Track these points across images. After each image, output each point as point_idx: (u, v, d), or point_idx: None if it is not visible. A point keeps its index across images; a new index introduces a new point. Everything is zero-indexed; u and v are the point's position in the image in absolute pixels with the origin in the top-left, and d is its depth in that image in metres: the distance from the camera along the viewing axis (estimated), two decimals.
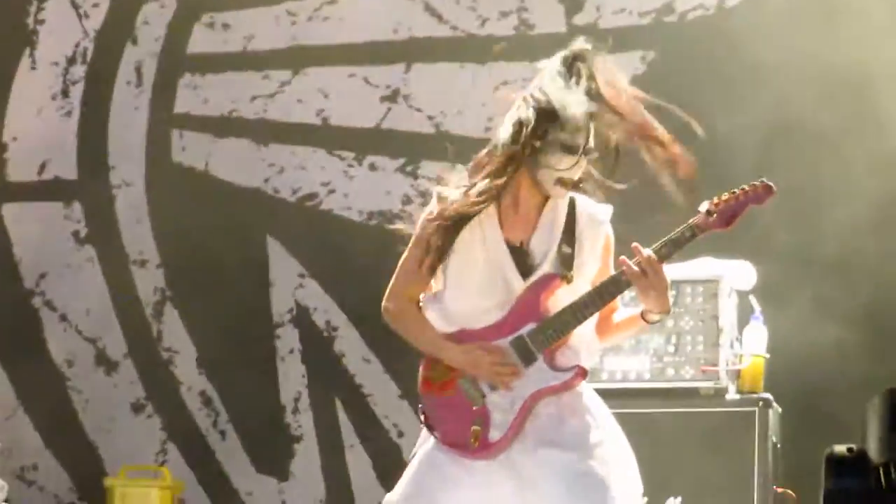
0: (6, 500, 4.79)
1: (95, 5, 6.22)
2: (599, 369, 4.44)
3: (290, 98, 6.09)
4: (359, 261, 5.66)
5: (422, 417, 3.62)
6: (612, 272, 3.25)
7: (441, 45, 5.89)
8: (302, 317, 5.93)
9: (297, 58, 6.05)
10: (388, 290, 3.64)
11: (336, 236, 5.95)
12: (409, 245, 3.52)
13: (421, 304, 3.54)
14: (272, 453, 5.86)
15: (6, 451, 5.44)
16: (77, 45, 6.20)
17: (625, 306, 3.38)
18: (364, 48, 5.96)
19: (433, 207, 3.36)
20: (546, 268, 3.30)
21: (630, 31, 5.49)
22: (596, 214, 3.30)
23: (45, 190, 6.22)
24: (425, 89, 5.99)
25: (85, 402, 6.00)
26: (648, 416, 4.49)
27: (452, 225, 3.42)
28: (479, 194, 3.41)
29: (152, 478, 5.71)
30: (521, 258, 3.33)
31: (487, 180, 3.41)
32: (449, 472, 3.59)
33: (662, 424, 4.51)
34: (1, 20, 6.29)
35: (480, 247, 3.39)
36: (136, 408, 5.94)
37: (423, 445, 3.63)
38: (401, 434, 5.72)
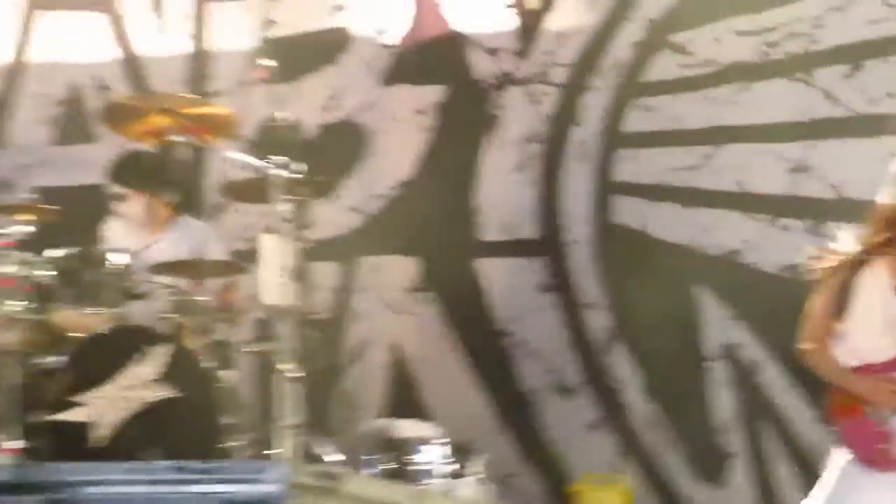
0: None
1: (545, 94, 7.41)
2: None
3: (712, 169, 7.09)
4: (776, 305, 6.60)
5: (835, 439, 4.30)
6: None
7: (838, 123, 6.81)
8: (729, 352, 6.95)
9: (717, 135, 7.07)
10: (803, 333, 4.35)
11: (756, 285, 6.91)
12: (817, 293, 4.29)
13: (830, 341, 4.28)
14: (709, 466, 6.91)
15: (492, 463, 6.73)
16: (533, 127, 7.35)
17: None
18: (774, 127, 6.93)
19: (834, 260, 4.35)
20: None
21: None
22: None
23: (512, 247, 7.40)
24: (827, 161, 6.90)
25: (549, 423, 7.16)
26: None
27: (850, 274, 4.26)
28: (868, 247, 4.19)
29: (611, 483, 6.76)
30: None
31: (873, 235, 4.23)
32: (860, 482, 4.27)
33: None
34: (472, 107, 7.51)
35: (877, 292, 4.23)
36: (592, 427, 7.09)
37: (837, 461, 4.35)
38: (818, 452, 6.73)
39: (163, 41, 7.62)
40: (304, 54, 7.19)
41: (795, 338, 4.45)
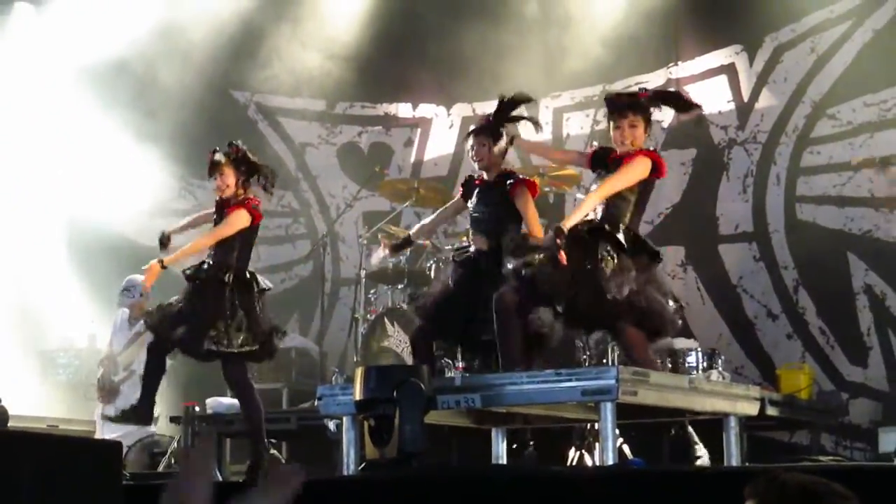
0: None
1: (755, 149, 10.44)
2: None
3: (853, 185, 9.86)
4: (894, 261, 9.56)
5: None
6: None
7: None
8: (868, 289, 9.75)
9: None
10: None
11: (882, 250, 9.65)
12: None
13: None
14: (857, 355, 9.73)
15: (728, 361, 9.82)
16: (748, 169, 10.44)
17: None
18: (889, 158, 9.31)
19: None
20: None
21: None
22: None
23: (739, 237, 10.35)
24: None
25: (762, 336, 10.13)
26: None
27: None
28: None
29: (800, 368, 9.34)
30: None
31: None
32: None
33: None
34: (713, 159, 10.52)
35: None
36: (789, 337, 10.03)
37: None
38: None
39: None
40: None
41: None
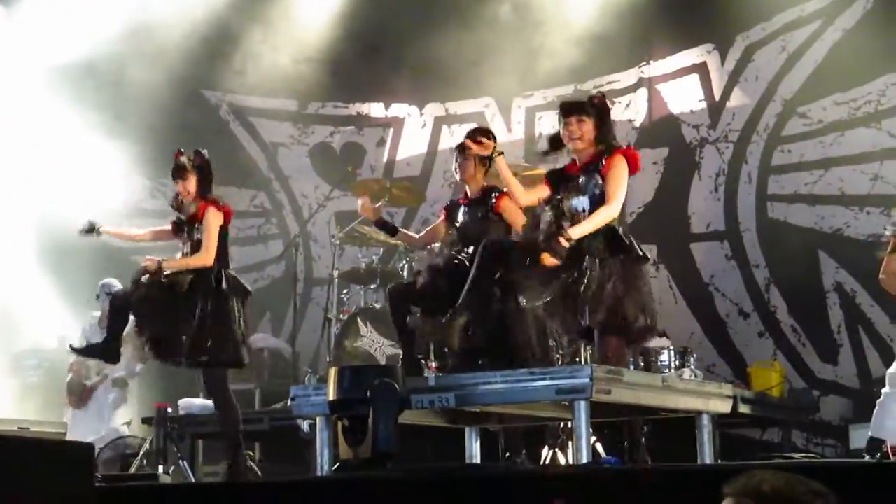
0: None
1: (727, 148, 10.41)
2: None
3: (824, 183, 9.86)
4: (864, 259, 8.63)
5: None
6: None
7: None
8: (838, 287, 9.74)
9: (825, 163, 9.91)
10: (883, 273, 6.35)
11: (852, 248, 9.59)
12: (891, 250, 6.31)
13: None
14: (827, 353, 9.67)
15: (700, 359, 9.86)
16: (719, 167, 10.41)
17: None
18: (860, 156, 9.63)
19: None
20: None
21: None
22: None
23: (710, 235, 10.30)
24: (891, 173, 9.47)
25: (734, 334, 10.11)
26: None
27: None
28: None
29: (771, 367, 9.31)
30: None
31: None
32: None
33: None
34: (684, 158, 10.50)
35: None
36: (760, 335, 9.98)
37: None
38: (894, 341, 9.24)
39: None
40: None
41: (876, 276, 6.56)
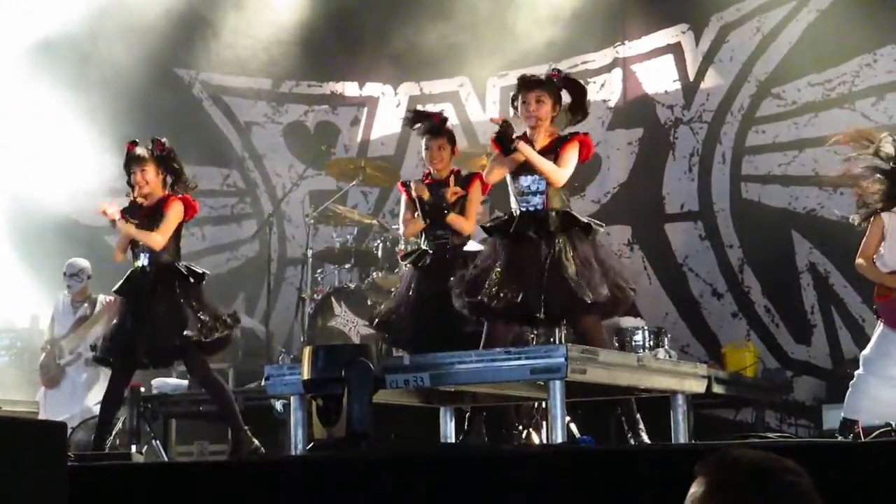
0: None
1: (701, 128, 10.45)
2: None
3: (798, 163, 9.90)
4: (839, 239, 9.20)
5: (877, 313, 6.19)
6: None
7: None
8: (812, 267, 9.78)
9: (799, 144, 9.93)
10: (859, 255, 6.21)
11: (826, 228, 9.60)
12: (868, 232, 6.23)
13: (874, 259, 6.29)
14: (801, 333, 9.75)
15: (674, 340, 9.94)
16: (694, 148, 10.45)
17: None
18: (833, 136, 9.76)
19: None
20: None
21: None
22: None
23: (684, 216, 10.38)
24: None
25: (708, 314, 10.17)
26: None
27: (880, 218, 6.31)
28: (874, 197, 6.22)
29: (745, 347, 9.40)
30: None
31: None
32: (892, 339, 5.99)
33: None
34: (659, 138, 10.55)
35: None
36: (734, 316, 10.03)
37: (878, 328, 6.17)
38: (867, 323, 9.18)
39: None
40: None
41: (852, 258, 6.55)
